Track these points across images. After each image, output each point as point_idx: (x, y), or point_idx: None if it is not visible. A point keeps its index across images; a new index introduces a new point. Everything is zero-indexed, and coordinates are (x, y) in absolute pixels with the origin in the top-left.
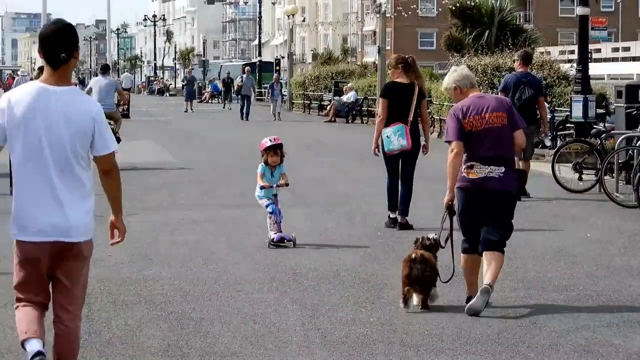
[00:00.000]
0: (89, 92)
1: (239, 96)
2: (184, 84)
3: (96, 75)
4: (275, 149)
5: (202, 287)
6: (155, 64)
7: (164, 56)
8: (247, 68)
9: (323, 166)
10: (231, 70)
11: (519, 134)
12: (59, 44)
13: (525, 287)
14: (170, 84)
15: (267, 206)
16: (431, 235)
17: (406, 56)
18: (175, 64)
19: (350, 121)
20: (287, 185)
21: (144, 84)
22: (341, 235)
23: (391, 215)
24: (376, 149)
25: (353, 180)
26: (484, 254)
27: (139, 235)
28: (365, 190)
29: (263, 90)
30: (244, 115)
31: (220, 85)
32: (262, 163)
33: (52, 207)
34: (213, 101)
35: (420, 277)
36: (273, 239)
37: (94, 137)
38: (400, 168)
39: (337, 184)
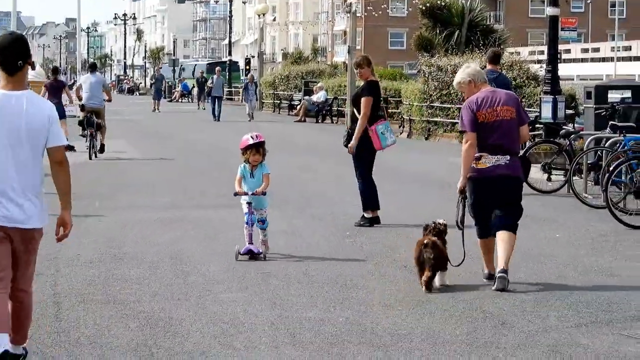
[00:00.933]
0: (79, 88)
1: (210, 97)
2: (152, 82)
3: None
4: (258, 147)
5: (171, 287)
6: (125, 63)
7: (134, 55)
8: (217, 68)
9: (293, 166)
10: (186, 69)
11: (524, 128)
12: (16, 53)
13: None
14: (140, 83)
15: (245, 215)
16: (440, 221)
17: (365, 55)
18: (145, 62)
19: (320, 121)
20: (264, 194)
21: (114, 82)
22: (311, 234)
23: (369, 215)
24: (352, 149)
25: (323, 180)
26: (497, 234)
27: (109, 235)
28: (335, 190)
29: (233, 90)
30: (216, 116)
31: (194, 84)
32: (243, 163)
33: None
34: (183, 100)
35: (429, 259)
36: (239, 250)
37: (49, 131)
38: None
39: (307, 184)
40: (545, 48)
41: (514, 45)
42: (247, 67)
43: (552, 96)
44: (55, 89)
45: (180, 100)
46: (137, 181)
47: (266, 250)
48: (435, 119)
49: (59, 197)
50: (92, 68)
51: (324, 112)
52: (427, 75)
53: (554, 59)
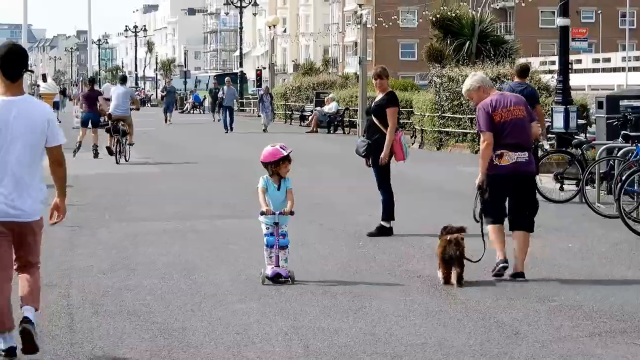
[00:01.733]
0: (109, 99)
1: (222, 108)
2: (163, 94)
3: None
4: (289, 158)
5: (184, 298)
6: (136, 75)
7: (145, 67)
8: (227, 79)
9: (304, 176)
10: (201, 81)
11: (535, 125)
12: (20, 61)
13: (507, 297)
14: (152, 95)
15: (265, 235)
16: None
17: (384, 66)
18: (156, 74)
19: (332, 132)
20: (292, 213)
21: None
22: (323, 245)
23: (388, 225)
24: (385, 159)
25: (334, 190)
26: (515, 233)
27: (122, 246)
28: (346, 200)
29: (244, 101)
30: (228, 127)
31: (207, 96)
32: (266, 175)
33: None
34: (195, 112)
35: (456, 256)
36: (268, 274)
37: (48, 132)
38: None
39: (318, 194)
40: (556, 58)
41: (524, 55)
42: (259, 79)
43: (564, 106)
44: (91, 99)
45: (192, 111)
46: (149, 192)
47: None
48: (447, 129)
49: (55, 186)
50: (123, 80)
51: (335, 122)
52: (438, 86)
53: (565, 70)
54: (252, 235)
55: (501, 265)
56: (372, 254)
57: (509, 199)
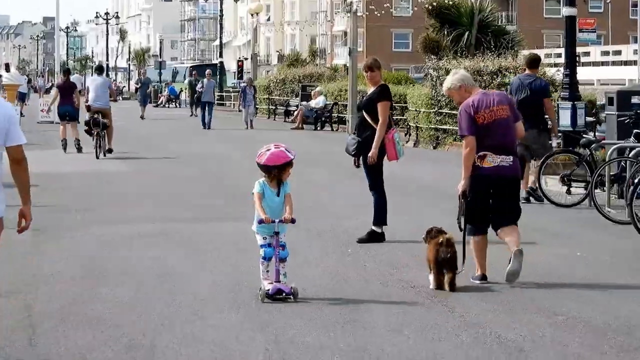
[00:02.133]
0: (88, 91)
1: (200, 102)
2: (137, 86)
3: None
4: (291, 163)
5: (157, 308)
6: (107, 65)
7: (117, 57)
8: (207, 71)
9: (292, 178)
10: (179, 72)
11: (519, 125)
12: None
13: (508, 310)
14: (124, 87)
15: (261, 247)
16: (439, 227)
17: (376, 58)
18: (129, 65)
19: (319, 128)
20: (293, 221)
21: None
22: (309, 251)
23: (380, 230)
24: (374, 158)
25: (321, 192)
26: (500, 231)
27: (92, 251)
28: (334, 203)
29: (224, 94)
30: (206, 124)
31: (184, 88)
32: (262, 179)
33: None
34: (170, 105)
35: (448, 258)
36: (268, 291)
37: (7, 130)
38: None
39: (304, 196)
40: (562, 51)
41: (528, 47)
42: (240, 70)
43: (571, 102)
44: (67, 90)
45: (167, 105)
46: (123, 192)
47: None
48: (444, 126)
49: (19, 193)
50: (100, 70)
51: (323, 118)
52: (434, 80)
53: (572, 63)
54: (234, 240)
55: (478, 282)
56: (362, 261)
57: (492, 204)
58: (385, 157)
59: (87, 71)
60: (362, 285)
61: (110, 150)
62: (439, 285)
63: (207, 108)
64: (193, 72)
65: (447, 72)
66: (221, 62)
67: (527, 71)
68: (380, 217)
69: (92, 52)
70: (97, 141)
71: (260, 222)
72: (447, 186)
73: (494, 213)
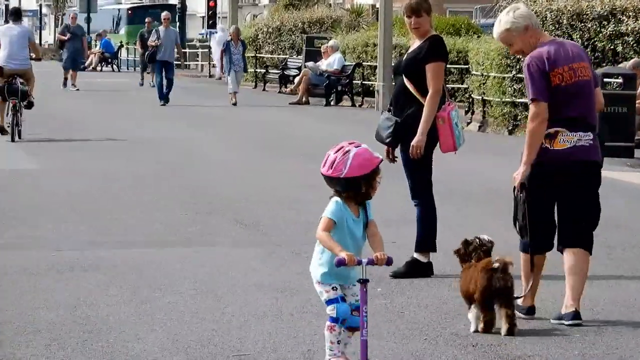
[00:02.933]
0: None
1: (152, 63)
2: (65, 39)
3: None
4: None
5: None
6: (6, 7)
7: None
8: (164, 15)
9: (289, 180)
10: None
11: (599, 93)
12: None
13: None
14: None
15: (330, 303)
16: (486, 237)
17: None
18: (40, 6)
19: (333, 102)
20: (389, 263)
21: None
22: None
23: (424, 260)
24: (419, 150)
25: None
26: (567, 251)
27: None
28: None
29: (188, 51)
30: (164, 95)
31: (121, 42)
32: (336, 199)
33: None
34: (104, 68)
35: (505, 288)
36: None
37: None
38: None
39: (311, 209)
40: None
41: None
42: (212, 14)
43: None
44: None
45: (99, 69)
46: (32, 201)
47: None
48: (524, 99)
49: None
50: (16, 16)
51: (339, 87)
52: None
53: None
54: (202, 277)
55: (523, 316)
56: (398, 306)
57: (558, 204)
58: (437, 147)
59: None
60: (399, 342)
61: (30, 104)
62: (489, 328)
63: (164, 71)
64: (147, 20)
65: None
66: (182, 1)
67: None
68: (426, 239)
69: None
70: (13, 117)
71: (341, 263)
72: None
73: (564, 219)
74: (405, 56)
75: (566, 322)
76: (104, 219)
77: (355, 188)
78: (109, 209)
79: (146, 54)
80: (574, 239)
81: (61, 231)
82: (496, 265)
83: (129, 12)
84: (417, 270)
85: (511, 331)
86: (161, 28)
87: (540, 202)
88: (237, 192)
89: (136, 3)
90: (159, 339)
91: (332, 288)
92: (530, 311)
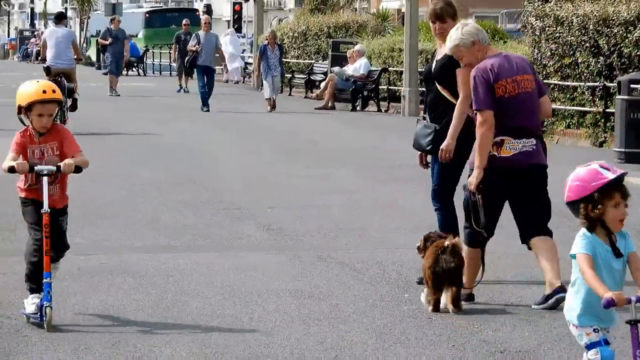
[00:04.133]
0: (44, 45)
1: (196, 69)
2: (106, 43)
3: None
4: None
5: None
6: (32, 11)
7: None
8: (204, 19)
9: (313, 185)
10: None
11: (546, 101)
12: None
13: None
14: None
15: (591, 346)
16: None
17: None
18: (66, 9)
19: (359, 108)
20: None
21: (14, 43)
22: (344, 298)
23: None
24: (449, 154)
25: (362, 209)
26: (534, 241)
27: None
28: (381, 225)
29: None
30: (207, 101)
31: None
32: (585, 230)
33: None
34: (130, 72)
35: (452, 269)
36: None
37: None
38: None
39: (336, 215)
40: None
41: None
42: (237, 18)
43: None
44: None
45: (124, 72)
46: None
47: None
48: (553, 104)
49: None
50: (59, 19)
51: (365, 93)
52: (538, 33)
53: None
54: (226, 281)
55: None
56: (426, 312)
57: (511, 204)
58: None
59: (0, 19)
60: (427, 349)
61: (74, 106)
62: (437, 307)
63: (206, 77)
64: (184, 22)
65: (557, 20)
66: (207, 7)
67: None
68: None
69: None
70: (61, 113)
71: (609, 304)
72: (559, 202)
73: (521, 217)
74: (435, 63)
75: (559, 296)
76: (133, 223)
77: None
78: (137, 214)
79: (186, 59)
80: (537, 230)
81: (90, 236)
82: (446, 244)
83: (146, 15)
84: None
85: (458, 305)
86: (201, 32)
87: (489, 204)
88: (263, 197)
89: (156, 6)
90: (187, 344)
91: (594, 330)
92: (470, 298)
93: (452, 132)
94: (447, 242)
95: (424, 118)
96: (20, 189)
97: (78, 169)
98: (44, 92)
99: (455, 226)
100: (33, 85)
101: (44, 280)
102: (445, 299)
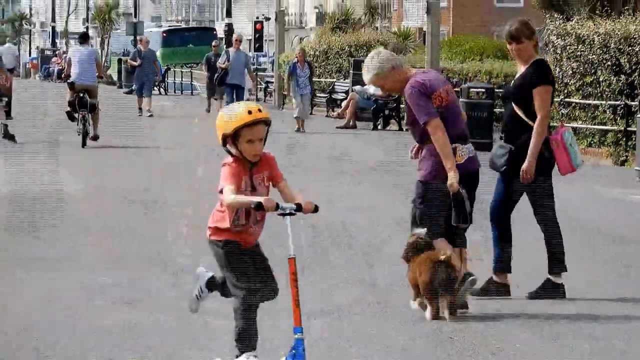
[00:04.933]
0: (69, 63)
1: (226, 87)
2: (136, 64)
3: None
4: None
5: None
6: (53, 30)
7: (68, 16)
8: (235, 37)
9: (338, 203)
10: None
11: (462, 111)
12: None
13: None
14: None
15: None
16: (422, 231)
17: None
18: (87, 28)
19: (380, 127)
20: None
21: (35, 62)
22: (369, 323)
23: (559, 280)
24: (530, 174)
25: (387, 227)
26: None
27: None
28: (403, 242)
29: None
30: None
31: (202, 67)
32: None
33: None
34: (157, 90)
35: (448, 281)
36: None
37: None
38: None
39: (361, 233)
40: None
41: None
42: (259, 37)
43: None
44: None
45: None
46: (81, 223)
47: None
48: (574, 123)
49: None
50: (84, 39)
51: (386, 112)
52: (559, 51)
53: None
54: None
55: (470, 278)
56: (447, 331)
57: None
58: (555, 169)
59: (22, 38)
60: None
61: (96, 137)
62: (437, 315)
63: (235, 95)
64: (214, 44)
65: (579, 39)
66: (229, 25)
67: None
68: (558, 257)
69: (31, 9)
70: (83, 125)
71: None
72: (588, 218)
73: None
74: (512, 82)
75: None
76: (153, 242)
77: None
78: (157, 232)
79: (215, 76)
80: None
81: (111, 253)
82: (442, 257)
83: (164, 34)
84: (553, 290)
85: (453, 312)
86: (231, 50)
87: (441, 208)
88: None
89: (173, 26)
90: None
91: None
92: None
93: (531, 153)
94: (442, 257)
95: (501, 138)
96: (218, 230)
97: (316, 209)
98: (250, 112)
99: (510, 239)
100: (235, 109)
101: (296, 337)
102: (440, 306)
